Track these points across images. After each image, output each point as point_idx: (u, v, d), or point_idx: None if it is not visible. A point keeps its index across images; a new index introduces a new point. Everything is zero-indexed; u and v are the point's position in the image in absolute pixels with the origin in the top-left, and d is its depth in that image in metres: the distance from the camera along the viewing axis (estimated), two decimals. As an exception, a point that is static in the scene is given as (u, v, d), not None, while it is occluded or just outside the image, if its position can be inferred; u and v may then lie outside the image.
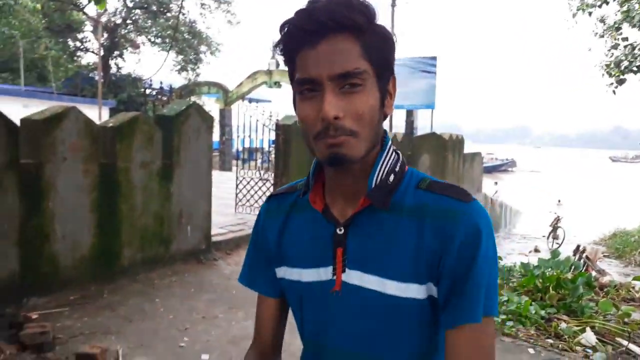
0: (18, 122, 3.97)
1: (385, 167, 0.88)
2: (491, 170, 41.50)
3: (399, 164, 0.90)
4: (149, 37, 19.99)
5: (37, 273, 4.05)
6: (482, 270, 0.81)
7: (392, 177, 0.88)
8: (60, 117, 4.08)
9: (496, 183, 24.49)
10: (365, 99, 0.81)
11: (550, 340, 4.15)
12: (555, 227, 15.48)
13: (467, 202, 0.84)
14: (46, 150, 4.04)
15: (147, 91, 18.97)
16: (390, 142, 0.91)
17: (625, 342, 4.09)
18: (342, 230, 0.89)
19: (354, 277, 0.88)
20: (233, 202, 8.44)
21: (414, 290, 0.84)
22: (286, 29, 0.82)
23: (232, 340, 3.75)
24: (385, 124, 0.95)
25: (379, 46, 0.83)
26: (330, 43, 0.79)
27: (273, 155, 8.82)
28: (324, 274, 0.91)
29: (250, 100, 16.66)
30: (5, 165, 3.81)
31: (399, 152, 0.93)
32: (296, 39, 0.81)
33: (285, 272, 0.98)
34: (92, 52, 20.04)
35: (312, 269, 0.93)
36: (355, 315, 0.89)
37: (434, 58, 15.97)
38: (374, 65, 0.82)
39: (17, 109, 9.43)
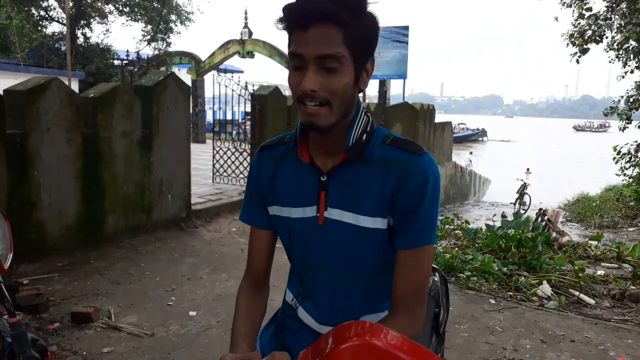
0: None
1: (359, 128, 1.11)
2: (462, 140, 42.21)
3: (369, 125, 1.14)
4: (116, 5, 19.45)
5: (25, 240, 4.17)
6: (426, 208, 1.06)
7: (364, 136, 1.11)
8: (43, 88, 4.14)
9: (471, 153, 25.15)
10: (341, 77, 1.00)
11: (510, 293, 4.52)
12: (522, 194, 16.10)
13: (420, 155, 1.08)
14: (31, 121, 4.11)
15: (116, 62, 18.57)
16: (362, 108, 1.13)
17: (577, 293, 4.49)
18: (325, 178, 1.13)
19: (334, 214, 1.12)
20: (210, 173, 8.56)
21: (380, 222, 1.09)
22: (286, 10, 1.01)
23: (217, 298, 3.99)
24: (359, 94, 1.18)
25: (361, 35, 1.01)
26: (317, 29, 0.98)
27: (247, 127, 8.91)
28: (309, 211, 1.15)
29: (223, 71, 16.42)
30: (-9, 136, 3.88)
31: (369, 114, 1.16)
32: (292, 20, 1.01)
33: (276, 210, 1.21)
34: (57, 21, 19.39)
35: (299, 207, 1.16)
36: (334, 241, 1.13)
37: (406, 28, 15.94)
38: (352, 50, 1.01)
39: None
